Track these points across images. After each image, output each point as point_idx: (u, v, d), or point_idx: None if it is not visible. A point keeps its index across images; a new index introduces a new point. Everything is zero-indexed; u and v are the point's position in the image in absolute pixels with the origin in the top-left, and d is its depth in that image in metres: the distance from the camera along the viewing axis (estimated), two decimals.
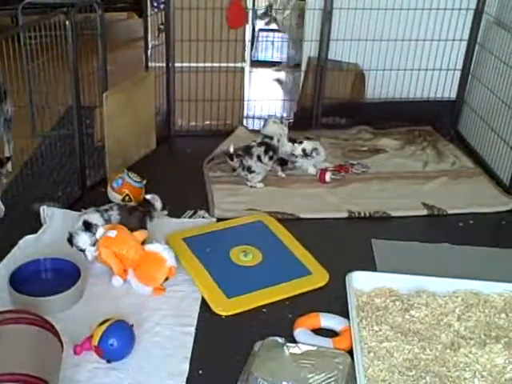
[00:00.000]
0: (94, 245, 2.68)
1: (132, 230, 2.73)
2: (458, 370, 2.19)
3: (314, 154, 3.64)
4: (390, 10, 4.12)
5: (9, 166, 3.25)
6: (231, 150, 3.52)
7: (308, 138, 3.73)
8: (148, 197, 3.03)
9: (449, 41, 4.22)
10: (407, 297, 2.56)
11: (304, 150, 3.64)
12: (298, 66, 4.62)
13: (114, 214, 2.82)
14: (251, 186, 3.52)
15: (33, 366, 1.86)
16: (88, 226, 2.72)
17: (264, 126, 3.69)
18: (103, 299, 2.55)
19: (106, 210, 2.82)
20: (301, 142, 3.66)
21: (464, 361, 2.23)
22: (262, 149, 3.52)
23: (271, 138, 3.58)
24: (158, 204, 3.03)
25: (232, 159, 3.52)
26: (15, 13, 4.18)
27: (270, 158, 3.54)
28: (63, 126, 3.98)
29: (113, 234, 2.60)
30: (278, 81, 5.34)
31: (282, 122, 3.70)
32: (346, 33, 4.15)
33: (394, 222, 3.25)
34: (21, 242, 2.81)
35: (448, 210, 3.32)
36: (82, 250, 2.70)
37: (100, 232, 2.66)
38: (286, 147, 3.66)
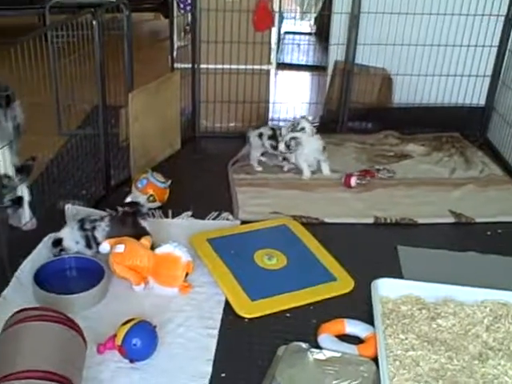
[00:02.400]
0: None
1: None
2: (486, 381, 2.14)
3: (292, 144, 3.59)
4: (418, 15, 4.08)
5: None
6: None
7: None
8: (128, 199, 3.02)
9: (479, 47, 4.16)
10: (434, 305, 2.52)
11: (286, 143, 3.62)
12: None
13: (103, 226, 2.73)
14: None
15: (56, 363, 1.85)
16: (57, 243, 2.68)
17: (298, 123, 3.68)
18: (126, 299, 2.54)
19: (95, 220, 2.75)
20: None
21: (492, 372, 2.18)
22: (269, 132, 3.72)
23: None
24: (141, 198, 3.01)
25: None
26: (43, 11, 4.21)
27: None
28: (89, 124, 3.98)
29: (121, 248, 2.58)
30: None
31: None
32: (374, 37, 4.12)
33: (421, 229, 3.20)
34: (45, 239, 2.81)
35: (476, 218, 3.26)
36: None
37: (106, 248, 2.65)
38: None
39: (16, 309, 2.08)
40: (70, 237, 2.71)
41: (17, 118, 3.19)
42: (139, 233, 2.76)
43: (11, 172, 2.83)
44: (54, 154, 3.62)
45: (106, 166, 3.37)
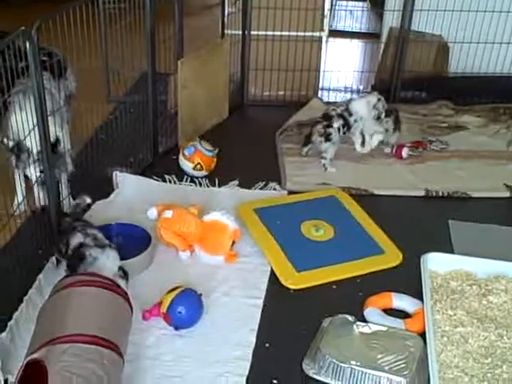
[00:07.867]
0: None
1: None
2: None
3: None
4: None
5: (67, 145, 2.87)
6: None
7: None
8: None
9: None
10: (485, 282, 2.45)
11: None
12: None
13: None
14: (323, 165, 3.35)
15: (104, 328, 1.87)
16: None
17: (352, 99, 3.47)
18: (172, 267, 2.55)
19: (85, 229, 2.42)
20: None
21: None
22: (341, 122, 3.34)
23: (351, 114, 3.38)
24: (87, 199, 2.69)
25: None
26: None
27: (343, 133, 3.39)
28: (137, 91, 3.98)
29: (169, 214, 2.60)
30: None
31: (378, 100, 3.42)
32: (432, 2, 3.97)
33: (474, 202, 3.11)
34: (93, 206, 2.83)
35: None
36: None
37: (154, 214, 2.67)
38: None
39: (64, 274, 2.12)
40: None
41: (69, 87, 3.18)
42: None
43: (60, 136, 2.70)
44: (103, 121, 3.64)
45: (153, 133, 3.37)
